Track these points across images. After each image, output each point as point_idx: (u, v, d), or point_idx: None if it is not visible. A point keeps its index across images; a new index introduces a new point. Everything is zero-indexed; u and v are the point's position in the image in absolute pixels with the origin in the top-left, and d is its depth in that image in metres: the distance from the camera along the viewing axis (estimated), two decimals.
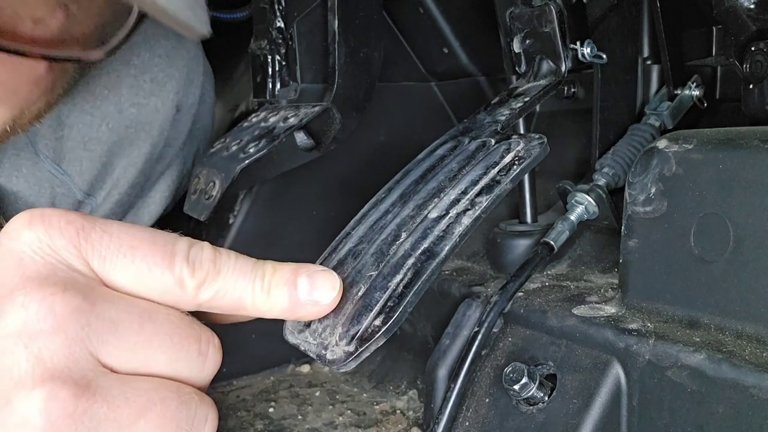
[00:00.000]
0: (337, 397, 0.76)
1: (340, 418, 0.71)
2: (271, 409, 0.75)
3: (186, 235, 0.48)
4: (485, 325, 0.54)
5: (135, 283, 0.34)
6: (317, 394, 0.77)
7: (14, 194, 0.72)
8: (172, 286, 0.35)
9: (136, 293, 0.35)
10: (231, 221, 0.80)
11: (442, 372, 0.59)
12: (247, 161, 0.66)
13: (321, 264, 0.50)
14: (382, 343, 0.42)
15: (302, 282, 0.38)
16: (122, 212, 0.83)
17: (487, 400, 0.53)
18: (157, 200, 0.87)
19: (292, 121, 0.70)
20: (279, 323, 0.48)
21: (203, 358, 0.35)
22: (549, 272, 0.64)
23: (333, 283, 0.39)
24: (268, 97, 0.77)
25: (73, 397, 0.31)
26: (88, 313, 0.32)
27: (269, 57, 0.76)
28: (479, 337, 0.54)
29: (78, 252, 0.33)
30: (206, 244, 0.37)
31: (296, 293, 0.38)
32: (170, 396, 0.33)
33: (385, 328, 0.41)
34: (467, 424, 0.53)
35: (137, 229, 0.35)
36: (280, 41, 0.75)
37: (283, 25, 0.75)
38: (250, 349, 0.82)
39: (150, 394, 0.33)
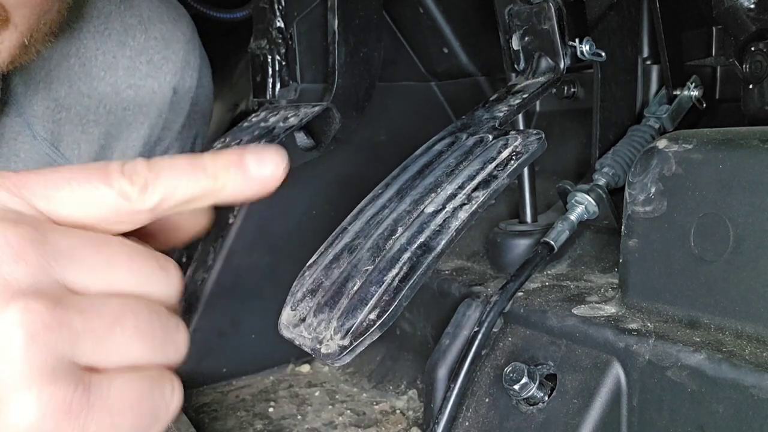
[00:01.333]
0: (337, 396, 0.76)
1: (340, 418, 0.71)
2: (270, 409, 0.75)
3: None
4: (485, 325, 0.54)
5: (81, 210, 0.35)
6: (317, 393, 0.77)
7: None
8: (116, 199, 0.35)
9: (87, 222, 0.35)
10: (231, 221, 0.80)
11: (442, 372, 0.59)
12: None
13: (317, 259, 0.50)
14: (377, 337, 0.42)
15: (250, 159, 0.37)
16: None
17: (487, 400, 0.53)
18: None
19: (292, 121, 0.70)
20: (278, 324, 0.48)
21: (165, 273, 0.36)
22: (549, 272, 0.64)
23: (281, 155, 0.38)
24: (268, 97, 0.77)
25: (47, 309, 0.31)
26: (42, 243, 0.32)
27: (269, 57, 0.76)
28: (479, 337, 0.54)
29: (21, 199, 0.34)
30: (139, 158, 0.37)
31: (247, 170, 0.37)
32: (141, 307, 0.34)
33: (380, 321, 0.41)
34: (467, 424, 0.53)
35: (68, 167, 0.36)
36: (280, 41, 0.75)
37: (283, 25, 0.75)
38: (249, 349, 0.82)
39: (121, 307, 0.34)
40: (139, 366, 0.34)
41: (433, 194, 0.50)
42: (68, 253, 0.33)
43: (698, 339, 0.45)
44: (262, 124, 0.72)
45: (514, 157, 0.50)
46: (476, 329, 0.54)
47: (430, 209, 0.48)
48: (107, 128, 0.77)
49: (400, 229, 0.48)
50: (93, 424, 0.32)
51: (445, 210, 0.47)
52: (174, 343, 0.36)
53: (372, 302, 0.43)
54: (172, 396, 0.36)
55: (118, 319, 0.33)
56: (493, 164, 0.50)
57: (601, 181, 0.62)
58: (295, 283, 0.50)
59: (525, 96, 0.59)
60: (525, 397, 0.49)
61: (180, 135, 0.85)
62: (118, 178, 0.35)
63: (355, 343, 0.41)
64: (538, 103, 0.88)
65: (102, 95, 0.76)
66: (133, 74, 0.78)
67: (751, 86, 0.56)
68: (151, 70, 0.79)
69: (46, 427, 0.31)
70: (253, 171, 0.37)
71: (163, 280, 0.36)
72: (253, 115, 0.77)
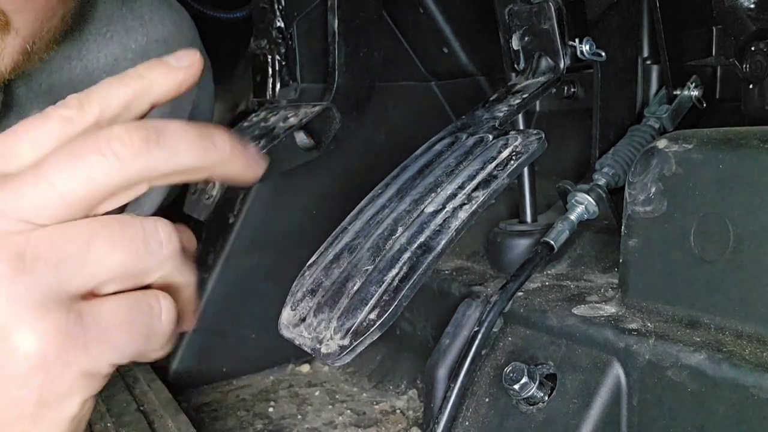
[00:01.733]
0: (337, 396, 0.76)
1: (340, 418, 0.71)
2: (270, 409, 0.75)
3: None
4: (485, 324, 0.54)
5: (36, 154, 0.36)
6: (317, 393, 0.77)
7: None
8: (60, 128, 0.38)
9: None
10: (231, 221, 0.80)
11: (442, 372, 0.59)
12: None
13: (317, 259, 0.50)
14: (377, 336, 0.42)
15: (169, 57, 0.42)
16: None
17: (487, 400, 0.53)
18: (157, 187, 0.87)
19: (292, 120, 0.70)
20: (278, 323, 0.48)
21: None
22: (549, 272, 0.64)
23: (195, 51, 0.42)
24: (268, 97, 0.77)
25: (18, 251, 0.32)
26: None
27: (269, 56, 0.76)
28: (479, 336, 0.54)
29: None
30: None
31: (168, 64, 0.42)
32: (110, 221, 0.36)
33: (380, 321, 0.41)
34: (467, 423, 0.53)
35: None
36: (280, 41, 0.75)
37: (283, 25, 0.75)
38: (249, 348, 0.82)
39: (89, 227, 0.35)
40: (128, 280, 0.36)
41: (433, 194, 0.50)
42: (15, 188, 0.34)
43: (698, 339, 0.45)
44: (263, 124, 0.72)
45: (514, 157, 0.50)
46: (476, 329, 0.54)
47: (430, 209, 0.48)
48: None
49: (400, 229, 0.48)
50: (92, 345, 0.34)
51: (445, 210, 0.47)
52: (157, 243, 0.37)
53: (372, 302, 0.43)
54: (162, 309, 0.37)
55: (88, 240, 0.34)
56: (493, 164, 0.50)
57: (601, 181, 0.62)
58: (295, 283, 0.51)
59: (525, 96, 0.59)
60: (525, 396, 0.49)
61: None
62: (54, 110, 0.38)
63: (355, 343, 0.41)
64: (538, 103, 0.88)
65: None
66: None
67: (751, 86, 0.56)
68: None
69: (50, 354, 0.33)
70: (173, 63, 0.41)
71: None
72: (253, 115, 0.77)
